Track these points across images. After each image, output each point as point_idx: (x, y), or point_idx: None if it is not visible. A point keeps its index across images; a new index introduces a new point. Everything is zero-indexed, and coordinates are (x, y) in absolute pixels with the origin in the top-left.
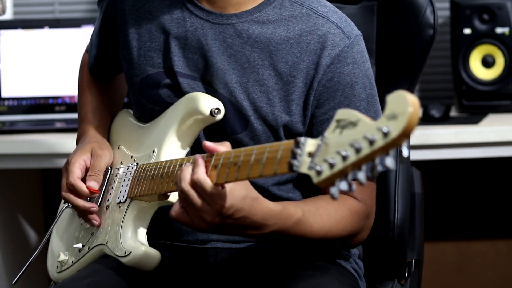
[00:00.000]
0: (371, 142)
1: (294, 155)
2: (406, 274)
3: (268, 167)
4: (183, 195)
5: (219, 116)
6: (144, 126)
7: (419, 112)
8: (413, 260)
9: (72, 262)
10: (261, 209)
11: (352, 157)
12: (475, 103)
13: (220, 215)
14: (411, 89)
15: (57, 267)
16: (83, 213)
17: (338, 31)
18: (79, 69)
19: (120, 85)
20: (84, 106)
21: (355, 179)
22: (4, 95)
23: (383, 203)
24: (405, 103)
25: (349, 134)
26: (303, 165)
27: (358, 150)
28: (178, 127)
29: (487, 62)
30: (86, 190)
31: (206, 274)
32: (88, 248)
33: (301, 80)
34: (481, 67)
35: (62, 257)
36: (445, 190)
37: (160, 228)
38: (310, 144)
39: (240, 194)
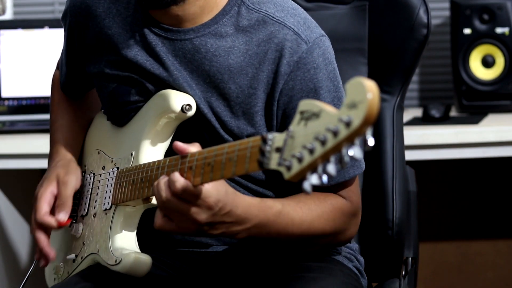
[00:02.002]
0: (335, 133)
1: (262, 153)
2: (404, 272)
3: (239, 166)
4: (164, 205)
5: (191, 113)
6: (121, 128)
7: (379, 97)
8: (410, 258)
9: (68, 273)
10: (241, 202)
11: (319, 150)
12: (475, 103)
13: (209, 211)
14: (404, 89)
15: (54, 279)
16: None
17: (295, 37)
18: (51, 87)
19: (94, 99)
20: (53, 124)
21: (325, 172)
22: (4, 95)
23: (381, 201)
24: (363, 90)
25: (313, 126)
26: (273, 162)
27: (323, 142)
28: (153, 128)
29: (487, 62)
30: (54, 225)
31: (206, 278)
32: (81, 258)
33: (262, 91)
34: (481, 67)
35: (58, 269)
36: (445, 190)
37: (158, 236)
38: (277, 139)
39: (222, 189)
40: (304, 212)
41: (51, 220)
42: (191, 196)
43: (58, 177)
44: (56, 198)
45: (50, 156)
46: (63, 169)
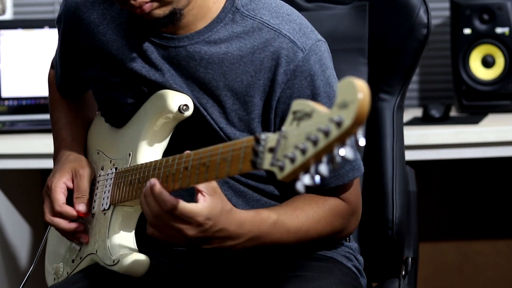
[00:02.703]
0: (326, 133)
1: (256, 153)
2: (404, 272)
3: (233, 166)
4: (155, 222)
5: (188, 113)
6: (119, 129)
7: (369, 97)
8: (410, 258)
9: (67, 273)
10: (235, 219)
11: (311, 150)
12: (475, 103)
13: (199, 227)
14: (404, 89)
15: (54, 279)
16: (70, 235)
17: (291, 45)
18: (48, 86)
19: (92, 99)
20: (56, 123)
21: (318, 172)
22: (4, 95)
23: (381, 201)
24: (354, 90)
25: (305, 126)
26: (265, 162)
27: (315, 143)
28: (150, 128)
29: (487, 62)
30: (74, 213)
31: (205, 278)
32: (80, 259)
33: (259, 98)
34: (481, 67)
35: (57, 269)
36: (445, 190)
37: (157, 239)
38: (270, 139)
39: (217, 208)
40: (300, 219)
41: (71, 210)
42: (182, 214)
43: (75, 170)
44: (73, 190)
45: (58, 152)
46: (77, 163)
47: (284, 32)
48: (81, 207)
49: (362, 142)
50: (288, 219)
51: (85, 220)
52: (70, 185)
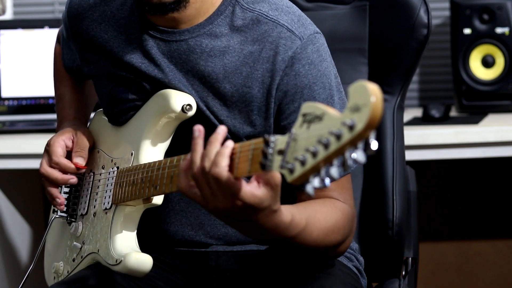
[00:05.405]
0: (338, 137)
1: (265, 155)
2: (404, 272)
3: (241, 168)
4: (197, 177)
5: (191, 113)
6: (120, 127)
7: (382, 101)
8: (410, 258)
9: (68, 272)
10: (273, 221)
11: (322, 153)
12: (475, 103)
13: (232, 208)
14: (404, 89)
15: (54, 278)
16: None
17: (288, 34)
18: (53, 60)
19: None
20: (61, 98)
21: (328, 176)
22: (4, 95)
23: (381, 202)
24: (366, 93)
25: (316, 129)
26: (275, 164)
27: (326, 146)
28: (153, 128)
29: (487, 62)
30: (72, 166)
31: (207, 278)
32: (81, 258)
33: (258, 90)
34: (481, 67)
35: (58, 268)
36: (445, 190)
37: (158, 236)
38: (280, 142)
39: (263, 203)
40: (321, 223)
41: (68, 162)
42: (227, 184)
43: (75, 130)
44: (72, 148)
45: (60, 124)
46: (78, 126)
47: (282, 22)
48: (79, 160)
49: (374, 145)
50: (312, 223)
51: (85, 219)
52: (70, 143)
